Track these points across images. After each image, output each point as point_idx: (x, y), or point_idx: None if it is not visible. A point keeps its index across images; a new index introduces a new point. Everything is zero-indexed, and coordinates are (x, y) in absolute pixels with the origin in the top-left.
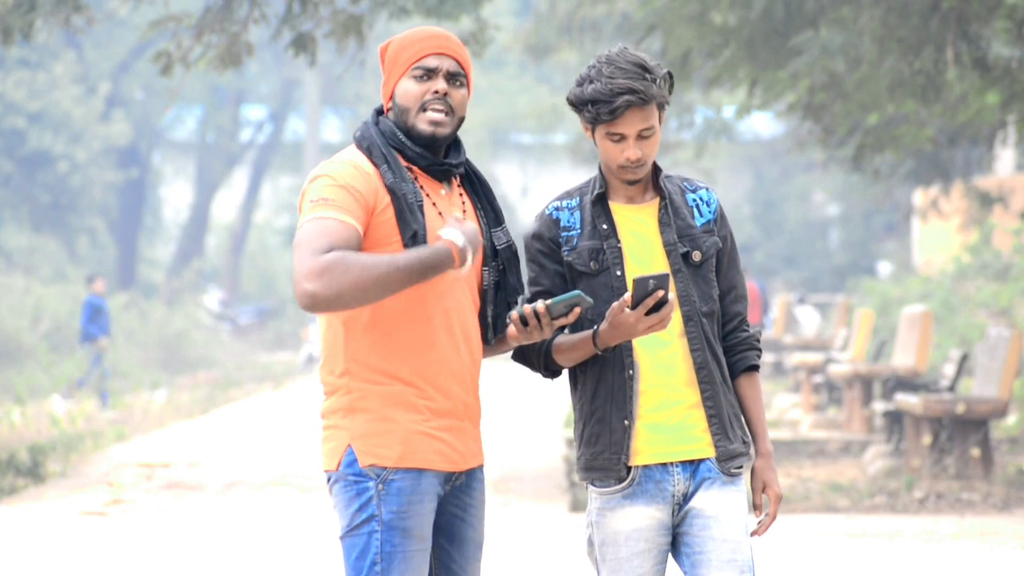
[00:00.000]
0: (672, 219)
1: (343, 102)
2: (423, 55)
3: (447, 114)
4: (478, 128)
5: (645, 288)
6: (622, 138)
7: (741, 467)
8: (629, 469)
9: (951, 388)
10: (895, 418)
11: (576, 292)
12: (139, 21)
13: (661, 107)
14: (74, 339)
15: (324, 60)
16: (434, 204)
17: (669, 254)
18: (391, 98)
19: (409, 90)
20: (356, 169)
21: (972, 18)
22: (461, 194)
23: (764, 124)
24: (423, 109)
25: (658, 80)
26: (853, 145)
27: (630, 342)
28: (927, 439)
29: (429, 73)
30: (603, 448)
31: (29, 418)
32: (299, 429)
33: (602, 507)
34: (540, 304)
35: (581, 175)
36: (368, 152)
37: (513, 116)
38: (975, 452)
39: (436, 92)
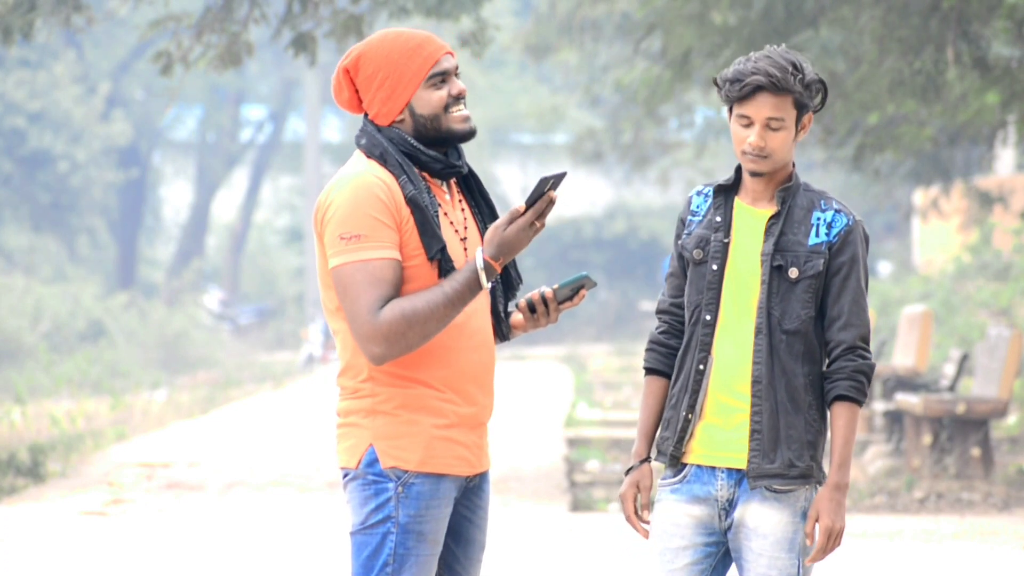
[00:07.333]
0: (780, 230)
1: None
2: (433, 62)
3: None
4: (478, 128)
5: (542, 188)
6: (750, 123)
7: (780, 488)
8: (684, 464)
9: (951, 388)
10: (895, 418)
11: (583, 274)
12: (139, 21)
13: (800, 108)
14: (74, 339)
15: (324, 60)
16: (446, 214)
17: (762, 263)
18: (401, 111)
19: (431, 99)
20: (377, 184)
21: (972, 18)
22: (461, 200)
23: None
24: (447, 110)
25: (805, 80)
26: (853, 145)
27: (711, 337)
28: (927, 439)
29: (444, 76)
30: (670, 435)
31: (29, 418)
32: (299, 429)
33: (659, 492)
34: (547, 289)
35: (581, 175)
36: (383, 160)
37: (513, 116)
38: (975, 452)
39: (459, 95)
